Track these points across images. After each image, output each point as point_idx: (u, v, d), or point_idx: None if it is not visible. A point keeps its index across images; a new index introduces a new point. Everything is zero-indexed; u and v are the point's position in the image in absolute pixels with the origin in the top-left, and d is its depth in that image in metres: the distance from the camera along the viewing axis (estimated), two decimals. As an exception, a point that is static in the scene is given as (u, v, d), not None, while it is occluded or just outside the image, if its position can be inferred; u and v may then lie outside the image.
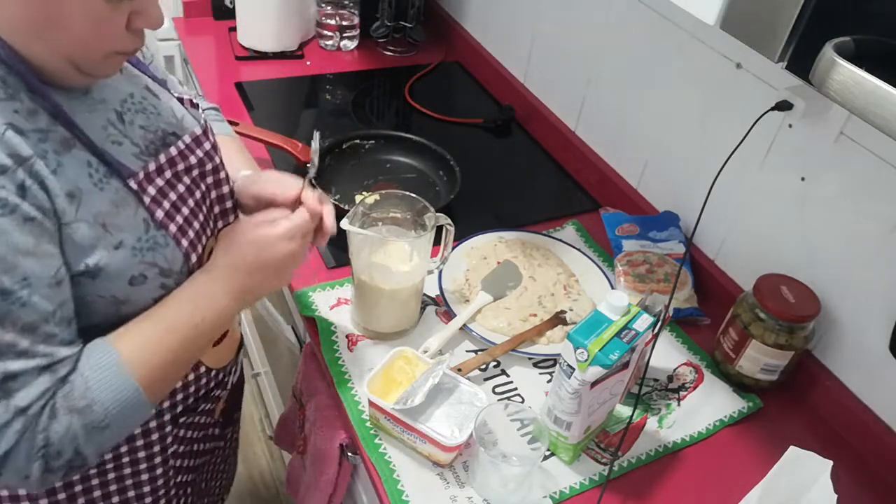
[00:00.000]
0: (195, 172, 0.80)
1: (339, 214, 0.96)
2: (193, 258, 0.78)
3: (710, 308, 1.15)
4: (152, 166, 0.74)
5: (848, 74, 0.51)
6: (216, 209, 0.85)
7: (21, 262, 0.63)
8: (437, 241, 1.03)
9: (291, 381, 1.18)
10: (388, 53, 1.79)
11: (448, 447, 0.86)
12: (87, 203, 0.68)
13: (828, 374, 1.03)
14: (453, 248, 1.12)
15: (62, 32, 0.64)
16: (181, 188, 0.78)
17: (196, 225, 0.79)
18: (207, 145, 0.82)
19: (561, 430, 0.88)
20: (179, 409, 0.89)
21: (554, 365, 1.04)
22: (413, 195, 1.00)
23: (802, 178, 1.01)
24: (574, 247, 1.21)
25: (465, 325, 1.05)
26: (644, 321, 0.85)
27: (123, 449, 0.85)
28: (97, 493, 0.86)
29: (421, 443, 0.88)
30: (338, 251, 1.16)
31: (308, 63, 1.70)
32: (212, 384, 0.94)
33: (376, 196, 1.01)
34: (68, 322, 0.69)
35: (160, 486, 0.91)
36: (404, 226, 1.02)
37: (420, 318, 1.07)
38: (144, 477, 0.88)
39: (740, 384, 1.04)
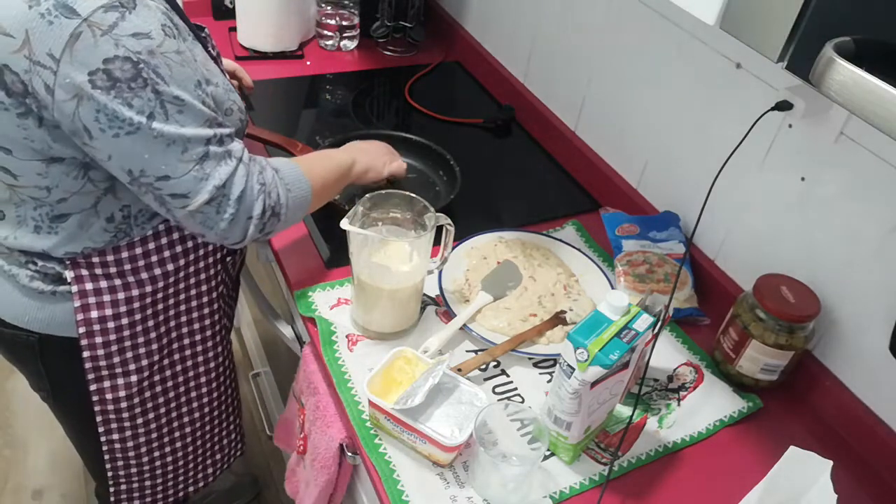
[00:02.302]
0: (218, 52, 1.06)
1: (340, 214, 0.96)
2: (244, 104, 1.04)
3: (710, 308, 1.15)
4: (209, 45, 1.00)
5: (848, 74, 0.51)
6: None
7: (198, 67, 0.85)
8: (437, 241, 1.03)
9: (291, 381, 1.18)
10: (388, 53, 1.79)
11: (448, 447, 0.86)
12: (195, 51, 0.88)
13: (828, 374, 1.03)
14: (453, 248, 1.12)
15: None
16: (219, 58, 1.05)
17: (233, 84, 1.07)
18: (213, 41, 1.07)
19: (561, 430, 0.88)
20: (226, 249, 1.09)
21: (554, 365, 1.04)
22: (413, 195, 1.00)
23: (802, 178, 1.01)
24: (574, 247, 1.21)
25: (465, 325, 1.05)
26: (644, 321, 0.85)
27: (192, 281, 1.05)
28: (171, 313, 1.06)
29: (421, 443, 0.88)
30: (338, 251, 1.16)
31: (308, 63, 1.70)
32: None
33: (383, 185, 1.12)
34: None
35: (215, 311, 1.12)
36: (404, 226, 1.02)
37: (420, 318, 1.07)
38: (204, 300, 1.09)
39: (740, 384, 1.04)
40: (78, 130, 0.79)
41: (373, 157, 1.18)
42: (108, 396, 1.05)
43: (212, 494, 1.73)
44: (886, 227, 0.92)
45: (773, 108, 0.95)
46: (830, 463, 0.78)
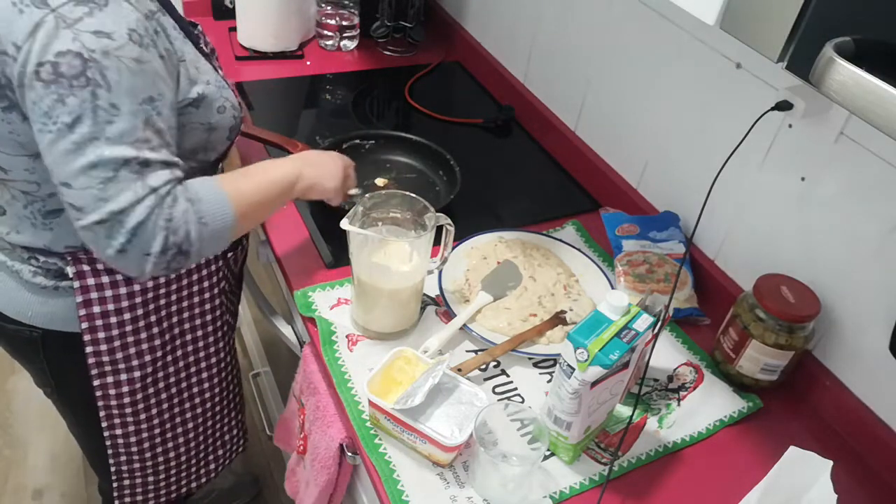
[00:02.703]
0: (212, 49, 1.05)
1: (340, 214, 0.96)
2: (239, 100, 1.03)
3: (710, 308, 1.15)
4: (201, 41, 0.97)
5: (848, 74, 0.51)
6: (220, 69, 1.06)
7: (159, 82, 0.81)
8: (437, 241, 1.03)
9: (291, 381, 1.18)
10: (388, 53, 1.79)
11: (448, 447, 0.86)
12: (184, 48, 0.89)
13: (828, 374, 1.03)
14: (453, 248, 1.12)
15: None
16: (213, 59, 1.02)
17: (229, 80, 1.03)
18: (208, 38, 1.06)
19: (561, 430, 0.88)
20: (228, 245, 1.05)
21: (554, 365, 1.04)
22: (413, 195, 1.00)
23: (802, 178, 1.01)
24: (574, 247, 1.21)
25: (465, 325, 1.05)
26: (644, 321, 0.85)
27: (195, 277, 1.05)
28: (174, 308, 1.05)
29: (421, 443, 0.88)
30: (338, 251, 1.16)
31: (308, 63, 1.70)
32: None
33: (385, 181, 1.12)
34: (175, 143, 0.86)
35: (217, 307, 1.11)
36: (404, 226, 1.02)
37: (420, 318, 1.07)
38: (206, 295, 1.09)
39: (740, 384, 1.04)
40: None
41: (323, 172, 1.06)
42: (112, 392, 1.05)
43: (212, 493, 1.74)
44: (886, 227, 0.92)
45: (773, 108, 0.95)
46: (830, 463, 0.78)
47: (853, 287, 0.98)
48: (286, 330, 1.31)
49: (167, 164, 0.82)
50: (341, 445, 0.99)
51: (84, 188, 0.78)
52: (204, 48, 0.98)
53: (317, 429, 1.04)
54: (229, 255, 1.11)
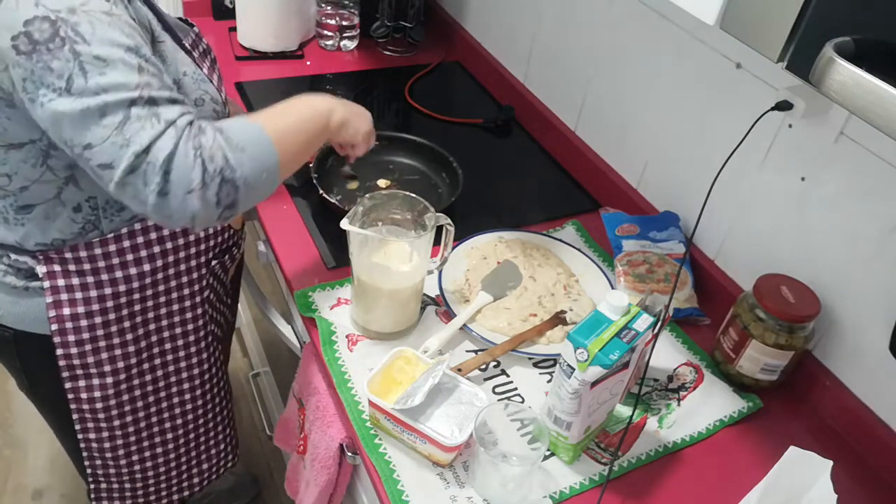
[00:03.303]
0: (205, 52, 1.01)
1: (340, 214, 0.96)
2: (223, 93, 1.00)
3: (710, 308, 1.15)
4: (188, 40, 0.95)
5: (848, 74, 0.51)
6: (216, 76, 1.02)
7: (134, 34, 0.78)
8: (437, 241, 1.03)
9: (291, 381, 1.18)
10: (388, 53, 1.79)
11: (448, 447, 0.86)
12: (162, 36, 0.88)
13: (828, 374, 1.03)
14: (453, 248, 1.12)
15: None
16: (203, 58, 0.99)
17: (214, 77, 0.99)
18: (203, 39, 1.02)
19: (561, 430, 0.88)
20: (211, 254, 1.07)
21: (554, 365, 1.04)
22: (413, 195, 1.00)
23: (802, 178, 1.01)
24: (574, 247, 1.21)
25: (465, 325, 1.05)
26: (644, 321, 0.85)
27: (173, 284, 1.03)
28: (150, 315, 1.04)
29: (421, 443, 0.88)
30: (338, 251, 1.16)
31: (308, 63, 1.69)
32: (230, 241, 1.12)
33: (388, 182, 1.13)
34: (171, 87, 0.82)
35: (199, 317, 1.10)
36: (404, 226, 1.02)
37: (420, 318, 1.07)
38: (187, 304, 1.07)
39: (740, 384, 1.04)
40: (19, 102, 0.78)
41: (356, 111, 1.06)
42: (84, 396, 1.04)
43: (211, 494, 1.74)
44: (886, 227, 0.92)
45: (773, 108, 0.95)
46: (830, 463, 0.78)
47: (853, 287, 0.98)
48: (286, 330, 1.31)
49: (175, 101, 0.79)
50: (341, 445, 0.99)
51: (103, 140, 0.75)
52: (188, 46, 0.95)
53: (317, 429, 1.04)
54: (213, 262, 1.09)
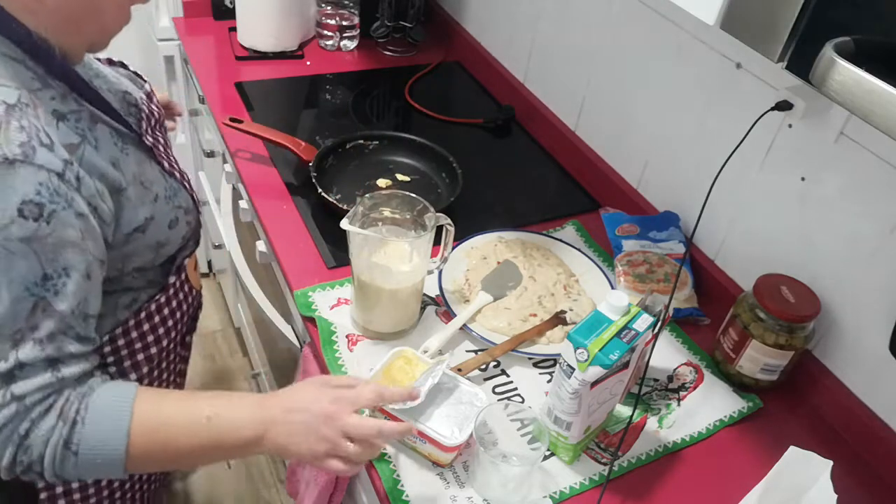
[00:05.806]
0: (157, 124, 0.91)
1: (340, 214, 0.96)
2: (195, 195, 0.92)
3: (710, 308, 1.15)
4: (144, 125, 0.85)
5: (848, 74, 0.51)
6: (171, 149, 0.96)
7: (64, 253, 0.69)
8: (437, 241, 1.03)
9: (291, 381, 1.18)
10: (388, 53, 1.79)
11: (448, 447, 0.86)
12: (125, 168, 0.78)
13: (828, 374, 1.03)
14: (453, 248, 1.12)
15: (96, 21, 0.75)
16: (160, 138, 0.90)
17: (177, 166, 0.91)
18: (154, 98, 0.93)
19: (561, 430, 0.88)
20: (184, 330, 1.03)
21: (554, 365, 1.04)
22: (413, 195, 1.00)
23: (802, 178, 1.01)
24: (574, 247, 1.21)
25: (465, 325, 1.05)
26: (644, 321, 0.85)
27: (154, 363, 0.95)
28: (126, 359, 0.92)
29: (421, 443, 0.88)
30: (338, 251, 1.16)
31: (308, 63, 1.70)
32: (195, 304, 1.07)
33: (387, 182, 1.11)
34: (84, 318, 0.74)
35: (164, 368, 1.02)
36: (404, 226, 1.02)
37: (420, 318, 1.07)
38: (164, 377, 1.01)
39: (740, 384, 1.04)
40: None
41: (296, 430, 0.77)
42: None
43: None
44: (886, 227, 0.92)
45: (773, 108, 0.95)
46: (830, 463, 0.78)
47: (853, 287, 0.98)
48: (286, 330, 1.31)
49: (50, 363, 0.71)
50: (341, 445, 0.99)
51: None
52: (147, 138, 0.85)
53: (317, 429, 1.04)
54: (187, 337, 1.06)
